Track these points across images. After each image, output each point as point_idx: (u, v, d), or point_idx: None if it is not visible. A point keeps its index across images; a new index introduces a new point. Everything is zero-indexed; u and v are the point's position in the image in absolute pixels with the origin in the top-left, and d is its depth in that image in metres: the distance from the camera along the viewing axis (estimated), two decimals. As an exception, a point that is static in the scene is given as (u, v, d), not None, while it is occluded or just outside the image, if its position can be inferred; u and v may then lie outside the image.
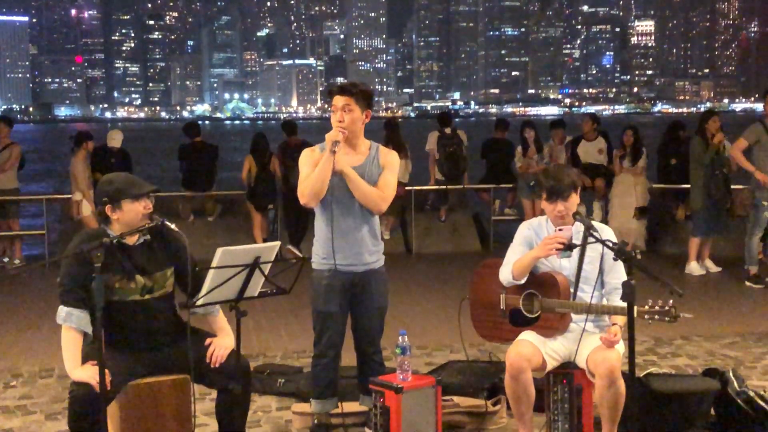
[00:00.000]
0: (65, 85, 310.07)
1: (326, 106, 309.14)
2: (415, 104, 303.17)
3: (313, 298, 4.91)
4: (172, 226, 4.14)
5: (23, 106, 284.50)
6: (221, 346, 4.33)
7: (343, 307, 4.89)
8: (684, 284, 9.54)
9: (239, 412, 4.40)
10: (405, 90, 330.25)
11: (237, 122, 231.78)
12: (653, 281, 3.90)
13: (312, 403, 5.03)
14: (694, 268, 10.19)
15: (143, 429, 4.26)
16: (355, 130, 4.76)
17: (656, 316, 4.19)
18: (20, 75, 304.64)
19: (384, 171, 4.82)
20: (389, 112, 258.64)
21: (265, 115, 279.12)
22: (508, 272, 4.64)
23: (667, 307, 4.18)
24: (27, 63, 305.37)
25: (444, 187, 12.37)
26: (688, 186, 10.40)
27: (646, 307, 4.19)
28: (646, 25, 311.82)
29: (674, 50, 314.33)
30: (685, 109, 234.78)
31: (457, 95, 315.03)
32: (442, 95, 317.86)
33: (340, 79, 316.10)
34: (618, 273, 4.46)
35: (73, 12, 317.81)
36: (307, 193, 4.73)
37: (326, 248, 4.79)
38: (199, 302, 4.04)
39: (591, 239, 4.36)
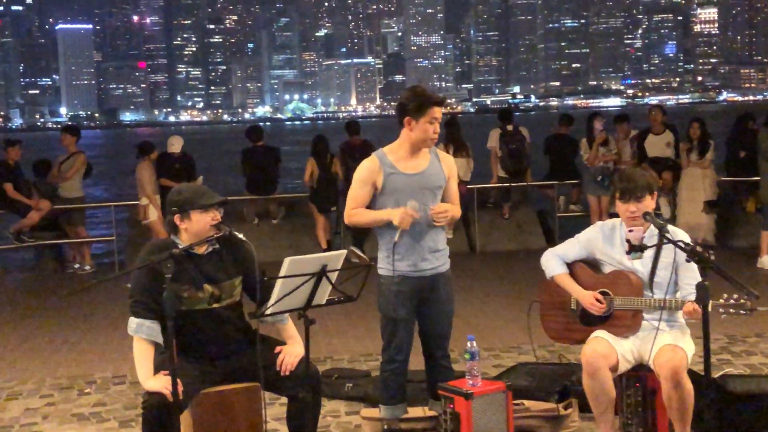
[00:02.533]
0: (129, 90, 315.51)
1: (385, 104, 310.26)
2: (475, 99, 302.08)
3: (381, 304, 4.90)
4: (240, 235, 4.17)
5: (89, 113, 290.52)
6: (291, 353, 4.35)
7: (412, 313, 4.88)
8: (756, 279, 9.33)
9: (310, 419, 4.40)
10: (464, 86, 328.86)
11: (297, 123, 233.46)
12: (727, 281, 3.81)
13: (381, 409, 5.02)
14: (766, 262, 9.95)
15: (215, 437, 4.30)
16: None
17: (731, 310, 4.09)
18: (86, 82, 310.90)
19: (450, 181, 4.88)
20: (448, 108, 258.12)
21: (325, 114, 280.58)
22: (552, 268, 4.72)
23: (742, 300, 4.08)
24: (92, 70, 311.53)
25: (507, 184, 12.28)
26: (758, 178, 10.16)
27: (721, 300, 4.10)
28: (709, 13, 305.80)
29: (738, 37, 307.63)
30: (751, 97, 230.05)
31: (516, 89, 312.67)
32: (502, 90, 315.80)
33: (399, 77, 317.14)
34: (692, 275, 4.37)
35: (135, 18, 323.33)
36: (354, 222, 4.90)
37: (394, 254, 4.77)
38: (267, 311, 4.06)
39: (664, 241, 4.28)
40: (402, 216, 4.63)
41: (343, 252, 4.21)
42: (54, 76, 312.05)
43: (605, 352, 4.41)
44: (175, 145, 11.66)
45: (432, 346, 4.97)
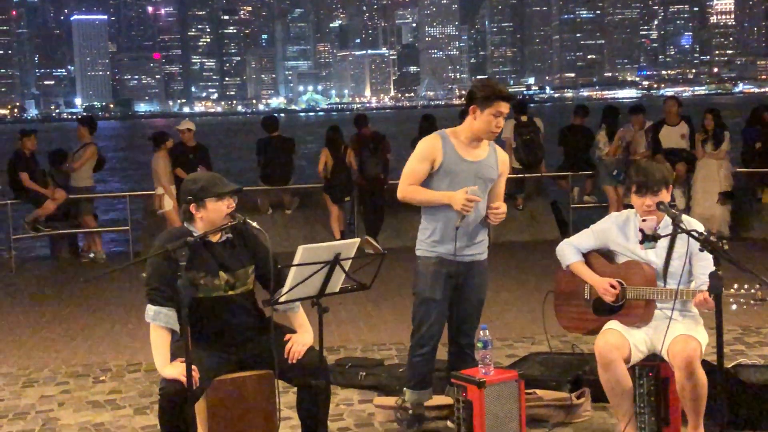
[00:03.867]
0: (144, 81, 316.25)
1: (399, 95, 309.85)
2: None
3: (418, 285, 4.91)
4: (254, 224, 4.19)
5: (104, 103, 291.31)
6: (299, 342, 4.37)
7: (446, 297, 4.90)
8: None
9: (321, 407, 4.42)
10: (479, 77, 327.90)
11: (312, 114, 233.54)
12: (741, 271, 3.81)
13: (407, 393, 5.01)
14: None
15: (230, 424, 4.33)
16: None
17: (741, 300, 4.08)
18: (101, 73, 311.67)
19: (501, 178, 4.96)
20: (463, 99, 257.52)
21: (340, 105, 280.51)
22: (568, 257, 4.76)
23: (753, 291, 4.07)
24: (107, 61, 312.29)
25: (521, 175, 12.26)
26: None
27: (732, 290, 4.09)
28: (726, 4, 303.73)
29: (755, 28, 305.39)
30: (767, 89, 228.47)
31: (531, 80, 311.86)
32: (516, 81, 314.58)
33: (413, 68, 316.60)
34: (706, 264, 4.37)
35: (150, 9, 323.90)
36: (408, 198, 4.88)
37: (439, 236, 4.81)
38: (281, 299, 4.08)
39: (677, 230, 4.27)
40: (464, 202, 4.64)
41: (357, 240, 4.23)
42: (69, 66, 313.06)
43: (618, 343, 4.42)
44: (186, 126, 11.65)
45: (459, 333, 5.00)
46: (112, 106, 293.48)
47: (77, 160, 11.67)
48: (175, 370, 4.05)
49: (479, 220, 4.86)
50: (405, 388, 5.04)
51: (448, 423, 5.04)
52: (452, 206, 4.69)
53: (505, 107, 4.73)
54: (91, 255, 11.74)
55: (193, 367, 4.01)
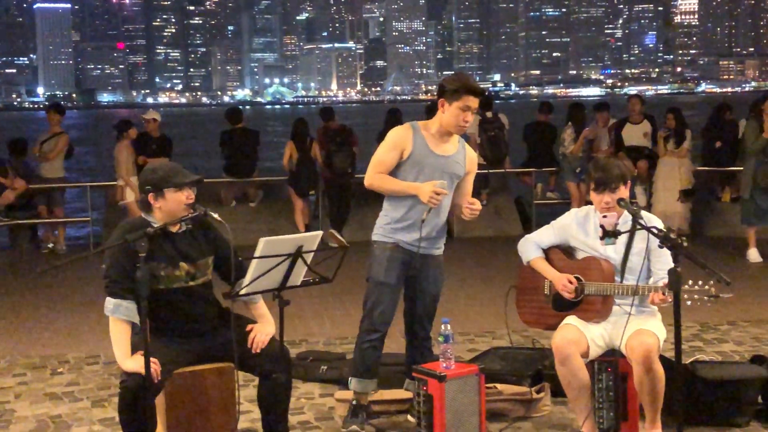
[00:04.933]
0: (107, 71, 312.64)
1: (366, 89, 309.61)
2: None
3: (372, 269, 4.90)
4: (216, 216, 4.15)
5: (67, 93, 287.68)
6: (262, 332, 4.36)
7: (401, 282, 4.90)
8: (729, 269, 9.40)
9: (282, 399, 4.42)
10: (445, 72, 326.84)
11: (278, 106, 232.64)
12: (701, 268, 3.85)
13: (352, 382, 4.99)
14: (752, 254, 9.88)
15: (188, 417, 4.30)
16: None
17: (695, 296, 4.13)
18: (63, 62, 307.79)
19: (468, 176, 4.96)
20: (429, 95, 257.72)
21: (306, 99, 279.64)
22: (528, 253, 4.77)
23: (707, 287, 4.12)
24: (70, 50, 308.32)
25: (485, 171, 12.29)
26: (734, 168, 10.21)
27: (686, 286, 4.13)
28: (690, 4, 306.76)
29: (718, 29, 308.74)
30: (729, 89, 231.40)
31: (497, 77, 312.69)
32: (482, 77, 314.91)
33: (380, 63, 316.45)
34: (665, 261, 4.40)
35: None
36: (375, 185, 4.85)
37: (401, 225, 4.82)
38: (242, 292, 4.06)
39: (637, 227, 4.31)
40: (431, 194, 4.63)
41: (320, 233, 4.22)
42: (32, 55, 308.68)
43: (574, 338, 4.45)
44: (151, 116, 11.58)
45: (415, 326, 5.00)
46: (74, 95, 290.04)
47: (50, 150, 11.47)
48: (137, 363, 4.01)
49: (441, 216, 4.87)
50: (350, 378, 5.01)
51: (409, 417, 5.05)
52: (419, 198, 4.68)
53: (473, 101, 4.73)
54: (50, 245, 11.58)
55: (155, 359, 3.99)
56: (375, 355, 4.95)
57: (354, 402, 5.01)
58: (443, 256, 5.04)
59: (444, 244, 5.01)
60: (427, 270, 4.92)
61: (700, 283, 4.13)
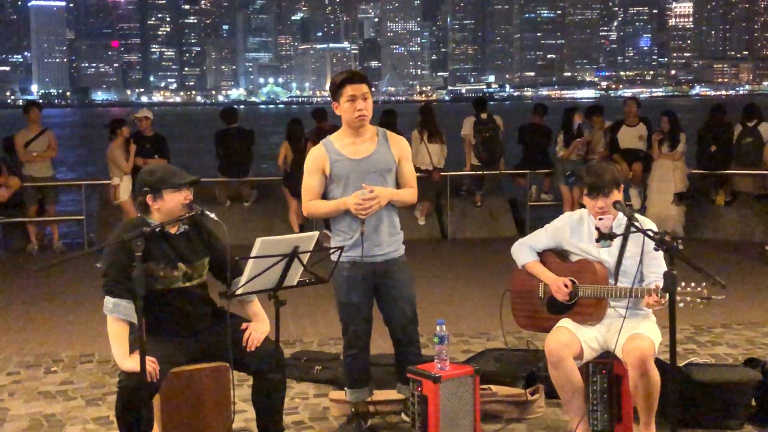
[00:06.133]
0: (102, 69, 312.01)
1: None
2: (450, 88, 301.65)
3: (336, 290, 4.88)
4: (212, 215, 4.15)
5: (61, 91, 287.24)
6: (257, 330, 4.37)
7: (367, 297, 4.85)
8: (723, 271, 9.42)
9: (276, 399, 4.43)
10: (439, 73, 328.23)
11: (272, 106, 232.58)
12: (695, 271, 3.86)
13: (347, 393, 5.03)
14: None
15: (183, 416, 4.30)
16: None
17: (688, 298, 4.14)
18: (58, 60, 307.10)
19: (403, 162, 4.84)
20: (423, 95, 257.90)
21: (300, 99, 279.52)
22: (523, 257, 4.79)
23: (699, 289, 4.13)
24: (64, 48, 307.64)
25: (480, 172, 12.32)
26: (728, 172, 10.24)
27: (678, 288, 4.13)
28: (685, 7, 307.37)
29: (713, 32, 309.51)
30: (723, 92, 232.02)
31: (491, 78, 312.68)
32: (477, 78, 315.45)
33: (375, 63, 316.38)
34: (659, 264, 4.42)
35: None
36: (312, 214, 4.87)
37: (348, 242, 4.74)
38: (238, 292, 4.06)
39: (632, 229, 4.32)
40: (355, 205, 4.60)
41: (315, 234, 4.23)
42: (25, 53, 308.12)
43: (567, 341, 4.45)
44: (144, 115, 11.58)
45: (396, 332, 4.94)
46: (68, 93, 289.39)
47: (44, 149, 11.39)
48: (136, 363, 4.00)
49: (384, 219, 4.76)
50: (345, 389, 5.04)
51: (403, 416, 5.05)
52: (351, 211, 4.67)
53: (355, 89, 4.66)
54: (36, 246, 11.48)
55: (153, 359, 4.00)
56: (360, 366, 4.94)
57: (352, 410, 5.03)
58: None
59: (402, 243, 4.89)
60: (393, 275, 4.82)
61: (692, 285, 4.14)
